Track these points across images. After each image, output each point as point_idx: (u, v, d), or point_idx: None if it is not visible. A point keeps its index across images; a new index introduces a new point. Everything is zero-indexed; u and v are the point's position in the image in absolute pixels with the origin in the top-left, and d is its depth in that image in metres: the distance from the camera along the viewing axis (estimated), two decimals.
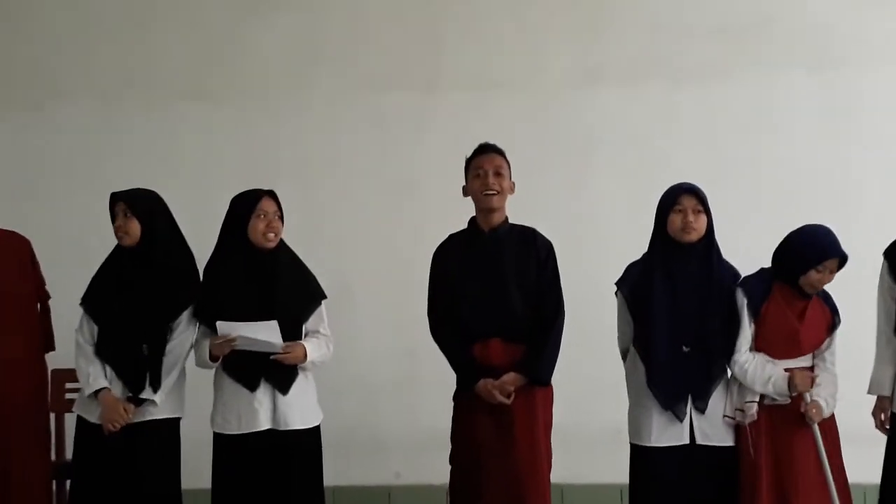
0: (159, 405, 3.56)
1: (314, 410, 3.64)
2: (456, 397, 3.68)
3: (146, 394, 3.54)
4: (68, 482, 3.94)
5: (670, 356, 3.50)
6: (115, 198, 3.65)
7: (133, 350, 3.55)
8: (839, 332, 3.59)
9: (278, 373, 3.52)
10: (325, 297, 3.67)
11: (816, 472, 3.43)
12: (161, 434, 3.60)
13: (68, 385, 4.24)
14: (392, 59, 5.25)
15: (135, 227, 3.59)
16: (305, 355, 3.55)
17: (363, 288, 4.88)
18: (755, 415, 3.47)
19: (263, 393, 3.52)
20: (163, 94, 5.25)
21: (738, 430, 3.54)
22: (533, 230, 3.71)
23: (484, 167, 3.62)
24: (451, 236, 3.75)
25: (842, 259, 3.50)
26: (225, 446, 3.56)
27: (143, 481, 3.53)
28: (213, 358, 3.56)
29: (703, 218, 3.54)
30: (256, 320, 3.49)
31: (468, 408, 3.60)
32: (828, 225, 3.60)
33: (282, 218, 3.64)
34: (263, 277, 3.57)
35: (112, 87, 5.25)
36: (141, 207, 3.61)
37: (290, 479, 3.53)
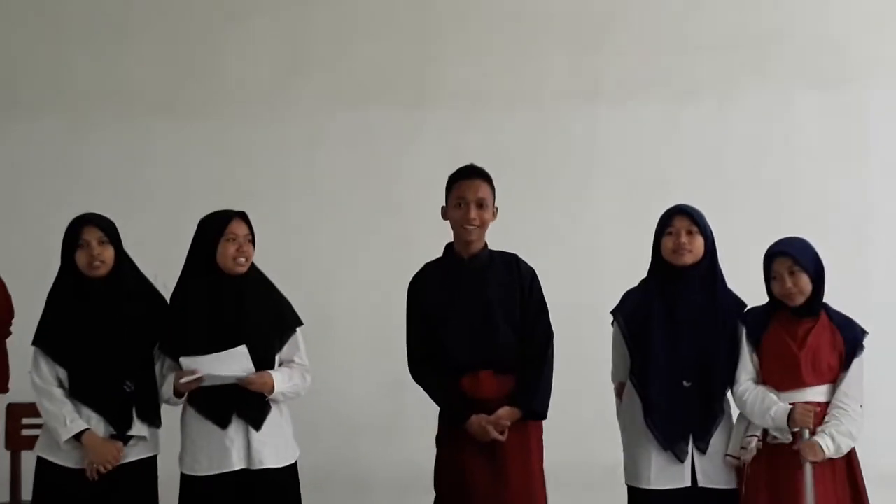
0: (147, 440, 3.48)
1: (290, 447, 3.54)
2: (440, 438, 3.58)
3: (137, 430, 3.44)
4: None
5: (670, 391, 3.43)
6: (86, 222, 3.49)
7: (115, 387, 3.43)
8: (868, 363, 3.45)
9: (251, 407, 3.43)
10: (300, 323, 3.58)
11: None
12: (141, 474, 3.50)
13: (25, 421, 4.15)
14: (377, 70, 5.25)
15: (110, 255, 3.47)
16: (272, 385, 3.44)
17: (343, 314, 4.84)
18: (755, 450, 3.38)
19: (235, 430, 3.42)
20: (133, 107, 5.22)
21: (740, 471, 3.46)
22: (515, 256, 3.64)
23: (466, 197, 3.55)
24: (426, 265, 3.68)
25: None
26: (194, 488, 3.45)
27: None
28: (179, 395, 3.47)
29: (699, 239, 3.47)
30: (221, 349, 3.39)
31: (455, 448, 3.49)
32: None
33: (253, 241, 3.54)
34: (231, 304, 3.48)
35: (81, 101, 5.21)
36: (114, 233, 3.51)
37: None
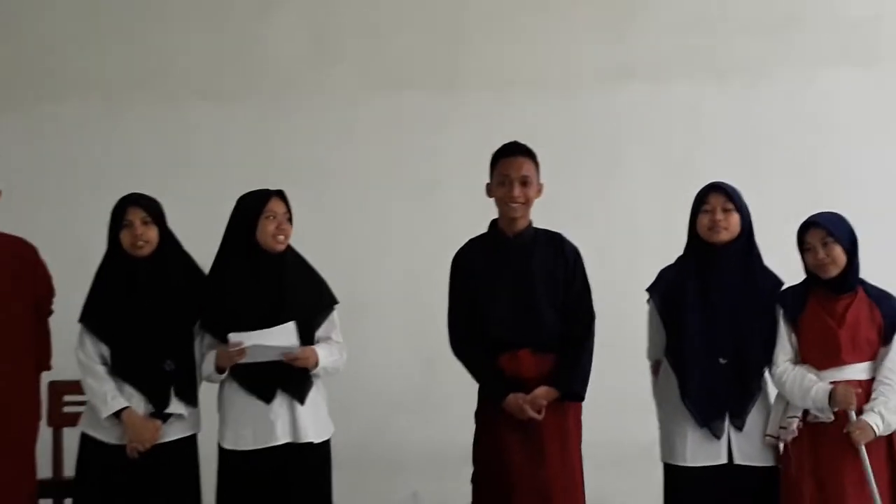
0: (186, 418, 3.53)
1: (326, 422, 3.61)
2: (478, 414, 3.61)
3: (174, 408, 3.49)
4: (67, 501, 3.92)
5: (705, 369, 3.44)
6: (131, 203, 3.55)
7: (156, 365, 3.50)
8: None
9: (295, 382, 3.49)
10: (336, 302, 3.63)
11: (866, 500, 3.29)
12: (182, 452, 3.55)
13: (67, 398, 4.22)
14: (411, 55, 5.25)
15: (154, 235, 3.54)
16: (317, 360, 3.50)
17: (378, 295, 4.83)
18: (795, 431, 3.39)
19: (280, 404, 3.47)
20: (173, 93, 5.24)
21: (780, 450, 3.47)
22: (560, 235, 3.66)
23: (510, 175, 3.56)
24: (471, 241, 3.69)
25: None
26: (235, 463, 3.50)
27: (164, 502, 3.50)
28: (220, 370, 3.51)
29: (735, 216, 3.49)
30: (266, 327, 3.45)
31: (493, 425, 3.53)
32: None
33: (291, 220, 3.60)
34: (273, 281, 3.54)
35: (120, 85, 5.24)
36: (158, 213, 3.57)
37: (303, 494, 3.50)
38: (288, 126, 5.21)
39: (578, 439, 3.57)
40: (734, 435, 3.42)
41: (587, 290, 3.61)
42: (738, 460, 3.41)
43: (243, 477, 3.48)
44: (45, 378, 4.09)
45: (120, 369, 3.51)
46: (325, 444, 3.58)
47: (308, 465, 3.51)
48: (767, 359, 3.45)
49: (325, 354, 3.53)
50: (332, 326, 3.61)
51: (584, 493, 3.54)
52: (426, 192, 5.10)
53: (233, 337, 3.42)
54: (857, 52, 5.16)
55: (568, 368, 3.50)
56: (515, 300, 3.53)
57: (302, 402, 3.48)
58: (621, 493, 4.65)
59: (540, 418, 3.43)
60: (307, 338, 3.53)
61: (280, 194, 3.58)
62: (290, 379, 3.48)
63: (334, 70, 5.20)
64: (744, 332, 3.45)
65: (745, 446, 3.42)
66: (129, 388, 3.50)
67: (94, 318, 3.54)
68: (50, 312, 3.89)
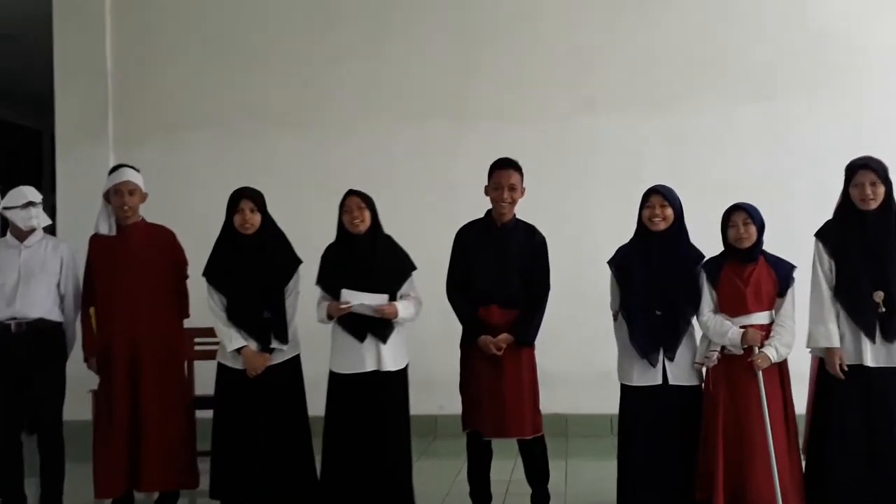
0: (286, 349, 3.58)
1: (404, 356, 3.62)
2: (462, 345, 3.69)
3: (275, 344, 3.55)
4: (198, 412, 3.96)
5: (646, 318, 3.47)
6: (242, 195, 3.59)
7: (258, 314, 3.55)
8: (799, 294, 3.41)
9: (380, 328, 3.53)
10: (415, 268, 3.65)
11: (759, 408, 3.34)
12: (290, 370, 3.61)
13: (197, 339, 4.27)
14: (430, 94, 5.29)
15: (257, 220, 3.58)
16: (397, 313, 3.55)
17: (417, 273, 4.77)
18: (716, 360, 3.41)
19: (369, 343, 3.53)
20: (267, 123, 5.33)
21: (703, 374, 3.50)
22: (533, 227, 3.69)
23: (501, 182, 3.59)
24: (471, 222, 3.75)
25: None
26: (339, 382, 3.57)
27: (279, 408, 3.56)
28: (330, 318, 3.58)
29: (669, 210, 3.49)
30: (363, 288, 3.50)
31: (471, 354, 3.63)
32: (766, 217, 3.46)
33: (370, 209, 3.59)
34: (366, 255, 3.57)
35: (233, 117, 5.34)
36: (262, 204, 3.60)
37: (386, 408, 3.54)
38: (344, 147, 5.26)
39: (531, 371, 3.60)
40: (668, 364, 3.43)
41: (547, 267, 3.63)
42: (671, 381, 3.44)
43: (344, 392, 3.53)
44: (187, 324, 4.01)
45: (232, 316, 3.55)
46: (403, 371, 3.60)
47: (389, 387, 3.54)
48: (691, 311, 3.45)
49: (403, 308, 3.55)
50: (411, 287, 3.63)
51: (532, 401, 3.57)
52: (443, 195, 5.12)
53: (344, 293, 3.47)
54: (758, 90, 5.14)
55: (524, 322, 3.55)
56: (494, 268, 3.57)
57: (384, 341, 3.52)
58: (591, 405, 4.70)
59: (499, 354, 3.53)
60: (391, 294, 3.56)
61: (356, 192, 3.61)
62: (378, 325, 3.52)
63: (375, 105, 5.26)
64: (674, 291, 3.46)
65: (676, 371, 3.44)
66: (243, 332, 3.54)
67: (213, 275, 3.60)
68: (186, 276, 3.89)
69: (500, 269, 3.58)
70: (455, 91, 5.31)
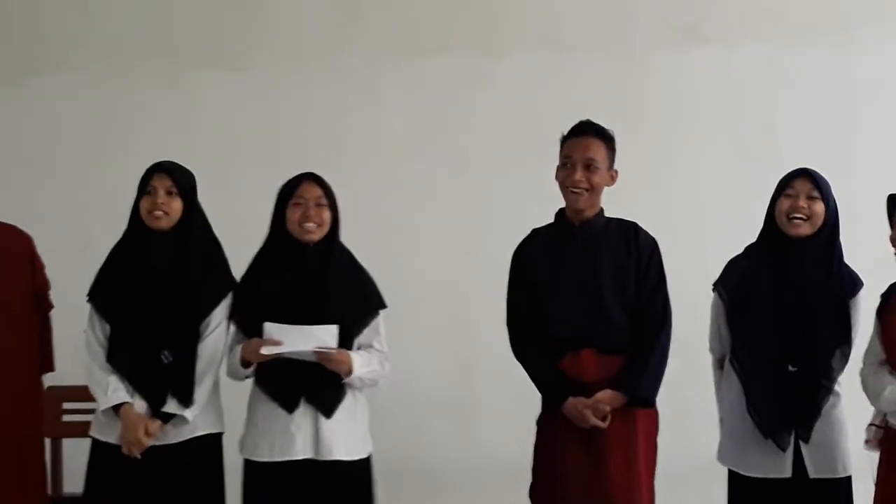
0: (192, 421, 3.51)
1: (363, 440, 3.60)
2: (539, 422, 3.63)
3: (171, 408, 3.47)
4: None
5: (774, 375, 3.47)
6: (158, 169, 3.57)
7: (152, 356, 3.49)
8: None
9: (322, 392, 3.50)
10: (384, 306, 3.64)
11: None
12: (201, 454, 3.56)
13: (66, 406, 4.26)
14: (443, 16, 5.28)
15: (177, 208, 3.54)
16: (351, 367, 3.49)
17: (409, 289, 4.78)
18: (873, 436, 3.46)
19: (303, 416, 3.49)
20: (177, 61, 5.30)
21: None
22: (634, 224, 3.65)
23: (573, 157, 3.55)
24: (534, 231, 3.71)
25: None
26: (256, 474, 3.54)
27: None
28: (245, 364, 3.52)
29: (820, 206, 3.49)
30: (303, 321, 3.46)
31: (553, 433, 3.55)
32: None
33: (331, 206, 3.60)
34: (312, 277, 3.56)
35: (120, 53, 5.30)
36: (186, 184, 3.57)
37: None
38: (304, 94, 5.26)
39: (649, 452, 3.59)
40: (803, 448, 3.44)
41: (663, 284, 3.60)
42: (811, 473, 3.43)
43: (264, 491, 3.51)
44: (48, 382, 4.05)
45: (115, 357, 3.49)
46: (363, 463, 3.57)
47: (338, 485, 3.50)
48: (840, 365, 3.47)
49: (362, 363, 3.51)
50: (375, 333, 3.59)
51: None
52: (461, 170, 5.11)
53: (268, 326, 3.42)
54: None
55: (636, 370, 3.50)
56: (580, 296, 3.54)
57: (328, 415, 3.48)
58: None
59: (604, 426, 3.45)
60: (345, 342, 3.50)
61: (312, 177, 3.59)
62: (318, 388, 3.48)
63: (356, 33, 5.26)
64: (818, 336, 3.46)
65: (817, 457, 3.44)
66: (128, 384, 3.47)
67: (100, 294, 3.55)
68: (50, 307, 3.90)
69: (591, 295, 3.55)
70: (478, 8, 5.31)
